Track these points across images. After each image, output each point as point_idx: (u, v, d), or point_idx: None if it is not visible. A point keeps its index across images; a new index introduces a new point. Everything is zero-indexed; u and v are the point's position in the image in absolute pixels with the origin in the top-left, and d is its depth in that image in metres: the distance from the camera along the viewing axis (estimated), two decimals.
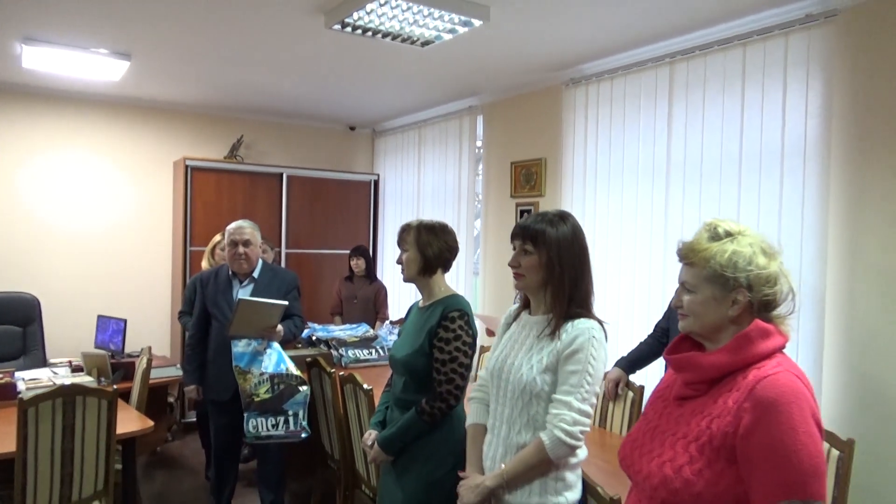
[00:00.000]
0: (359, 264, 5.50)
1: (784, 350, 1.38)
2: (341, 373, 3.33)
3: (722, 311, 1.39)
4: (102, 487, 2.95)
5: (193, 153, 5.83)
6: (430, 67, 4.51)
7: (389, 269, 6.31)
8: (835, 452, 2.44)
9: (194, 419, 4.98)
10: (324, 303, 5.87)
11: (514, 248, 1.89)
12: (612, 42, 3.86)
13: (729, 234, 1.42)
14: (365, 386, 3.00)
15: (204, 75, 4.85)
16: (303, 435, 3.25)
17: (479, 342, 2.38)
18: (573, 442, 1.70)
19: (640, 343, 3.18)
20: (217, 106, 5.92)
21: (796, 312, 3.05)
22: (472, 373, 2.33)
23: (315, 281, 6.12)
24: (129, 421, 3.24)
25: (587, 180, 4.31)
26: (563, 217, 1.88)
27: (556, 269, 1.80)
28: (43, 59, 4.28)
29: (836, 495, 2.40)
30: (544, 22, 3.54)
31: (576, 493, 1.79)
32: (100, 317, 5.04)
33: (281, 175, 6.00)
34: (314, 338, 4.70)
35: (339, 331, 4.79)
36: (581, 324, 1.77)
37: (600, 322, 1.82)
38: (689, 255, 1.44)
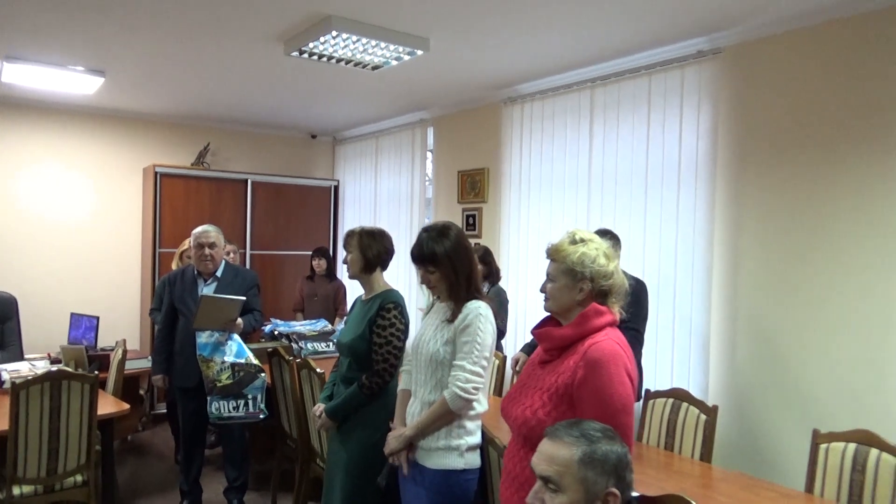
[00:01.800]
0: (320, 264, 5.92)
1: (613, 325, 1.87)
2: (298, 360, 3.76)
3: (572, 296, 1.88)
4: (84, 462, 3.33)
5: (162, 160, 6.19)
6: (383, 86, 4.96)
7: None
8: (703, 417, 2.97)
9: (164, 410, 5.35)
10: (287, 300, 6.28)
11: (421, 271, 2.35)
12: (541, 67, 4.37)
13: (582, 241, 1.91)
14: (318, 370, 3.44)
15: (173, 89, 5.23)
16: (260, 416, 3.67)
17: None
18: (467, 396, 2.18)
19: None
20: (185, 116, 6.29)
21: (689, 304, 3.60)
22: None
23: (278, 280, 6.53)
24: (107, 405, 3.63)
25: (522, 188, 4.81)
26: (446, 231, 2.35)
27: (453, 276, 2.29)
28: (22, 75, 4.62)
29: (703, 451, 2.93)
30: (480, 50, 4.03)
31: (475, 438, 2.27)
32: (73, 314, 5.38)
33: (246, 181, 6.39)
34: (276, 332, 5.10)
35: (300, 326, 5.20)
36: (471, 304, 2.25)
37: (488, 301, 2.31)
38: (553, 253, 1.93)
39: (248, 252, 6.39)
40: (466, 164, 5.47)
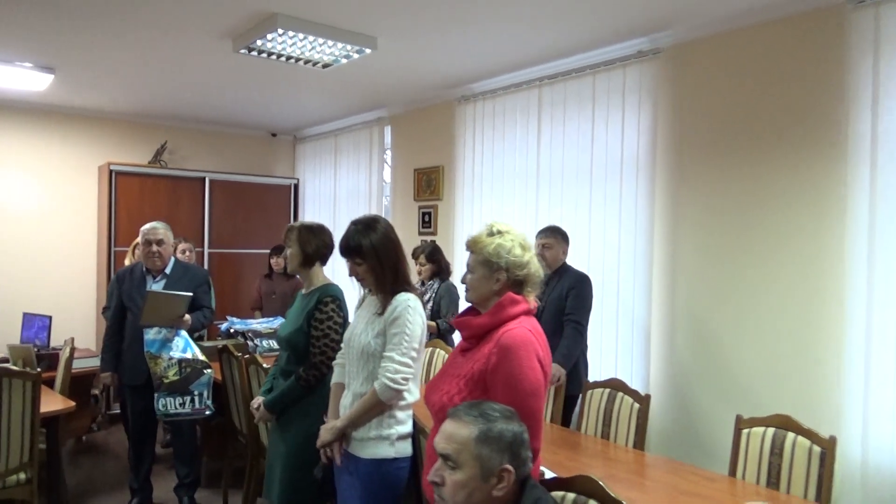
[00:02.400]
0: (278, 262, 5.91)
1: (528, 314, 1.93)
2: (246, 357, 3.77)
3: (489, 286, 1.94)
4: (27, 460, 3.31)
5: (118, 158, 6.14)
6: (339, 84, 5.00)
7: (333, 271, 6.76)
8: (636, 406, 3.06)
9: (119, 411, 5.31)
10: (246, 299, 6.26)
11: (349, 263, 2.40)
12: (492, 66, 4.44)
13: (499, 232, 1.97)
14: (264, 365, 3.46)
15: (126, 86, 5.20)
16: (207, 412, 3.68)
17: None
18: (397, 386, 2.22)
19: None
20: (141, 114, 6.24)
21: (631, 296, 3.70)
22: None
23: (237, 279, 6.52)
24: (53, 403, 3.61)
25: (475, 185, 4.88)
26: (372, 225, 2.39)
27: (379, 268, 2.34)
28: None
29: (636, 439, 3.02)
30: (429, 49, 4.08)
31: (406, 428, 2.32)
32: (25, 314, 5.32)
33: (203, 179, 6.37)
34: (232, 330, 5.10)
35: (256, 323, 5.21)
36: (400, 297, 2.30)
37: (418, 294, 2.36)
38: (471, 245, 1.99)
39: (207, 251, 6.37)
40: (422, 162, 5.53)
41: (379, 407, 2.28)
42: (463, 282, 2.02)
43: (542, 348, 1.87)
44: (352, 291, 2.90)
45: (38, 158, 5.92)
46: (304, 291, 2.90)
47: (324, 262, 2.90)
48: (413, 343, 2.28)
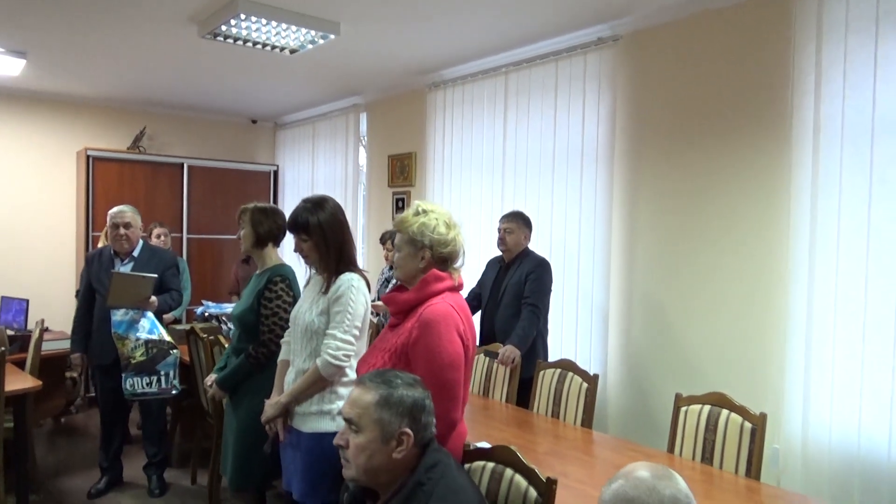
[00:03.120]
0: None
1: (453, 290, 2.00)
2: (211, 338, 3.84)
3: (415, 264, 2.00)
4: None
5: (97, 144, 6.18)
6: (311, 71, 5.04)
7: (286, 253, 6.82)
8: (585, 385, 3.13)
9: (94, 394, 5.39)
10: (224, 284, 6.32)
11: (295, 239, 2.45)
12: (459, 53, 4.48)
13: (424, 212, 2.03)
14: (227, 345, 3.52)
15: (101, 72, 5.24)
16: (173, 392, 3.75)
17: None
18: (338, 363, 2.29)
19: None
20: (119, 99, 6.28)
21: (590, 281, 3.76)
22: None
23: (216, 264, 6.58)
24: (20, 382, 3.67)
25: (445, 172, 4.94)
26: (321, 204, 2.45)
27: (323, 246, 2.39)
28: None
29: (584, 417, 3.09)
30: (394, 35, 4.12)
31: None
32: (3, 297, 5.38)
33: (182, 165, 6.41)
34: (207, 314, 5.17)
35: (230, 307, 5.27)
36: (344, 276, 2.36)
37: (362, 273, 2.42)
38: (398, 225, 2.05)
39: (185, 236, 6.42)
40: (396, 148, 5.58)
41: (321, 383, 2.34)
42: (389, 260, 2.08)
43: (463, 322, 1.93)
44: (304, 272, 2.95)
45: (15, 143, 5.96)
46: (257, 272, 2.96)
47: (276, 243, 2.96)
48: (355, 321, 2.33)
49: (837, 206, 2.91)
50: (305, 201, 2.47)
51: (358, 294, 2.35)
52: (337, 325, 2.31)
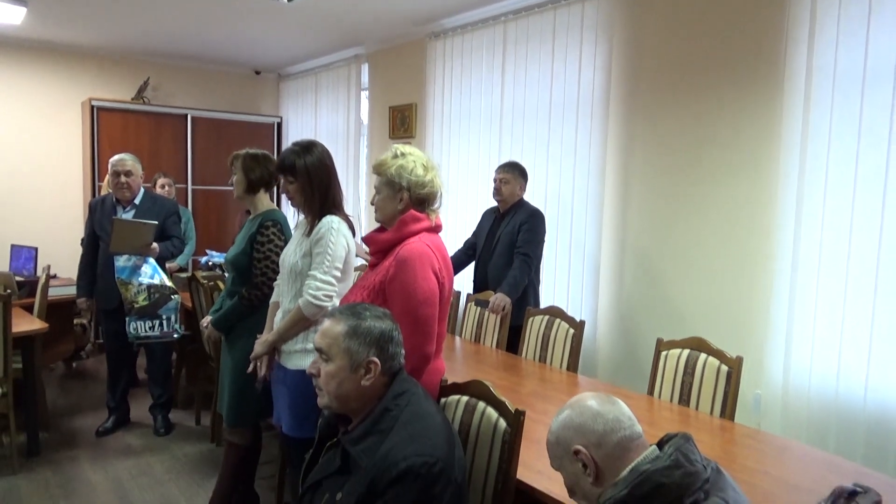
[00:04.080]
0: None
1: (431, 230, 2.05)
2: (211, 284, 3.93)
3: (393, 206, 2.05)
4: (2, 375, 3.52)
5: (101, 94, 6.21)
6: (313, 20, 5.00)
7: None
8: (571, 331, 3.20)
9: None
10: (229, 234, 6.41)
11: (283, 181, 2.50)
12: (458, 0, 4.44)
13: (402, 154, 2.07)
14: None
15: (104, 20, 5.23)
16: (175, 335, 3.86)
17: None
18: (318, 302, 2.36)
19: (452, 255, 3.87)
20: (123, 49, 6.28)
21: (583, 231, 3.80)
22: None
23: (220, 215, 6.67)
24: (27, 324, 3.80)
25: (444, 123, 4.94)
26: (309, 148, 2.49)
27: (308, 189, 2.44)
28: None
29: (570, 362, 3.17)
30: None
31: None
32: (12, 246, 5.51)
33: (186, 116, 6.44)
34: (211, 263, 5.27)
35: (227, 254, 5.36)
36: (326, 219, 2.42)
37: (345, 217, 2.47)
38: (376, 168, 2.09)
39: (190, 187, 6.49)
40: (397, 99, 5.57)
41: (304, 322, 2.42)
42: (372, 203, 2.13)
43: (439, 261, 1.99)
44: (293, 216, 3.01)
45: (19, 94, 6.01)
46: (250, 217, 3.02)
47: (268, 188, 3.01)
48: (336, 262, 2.40)
49: (826, 156, 2.91)
50: (294, 144, 2.52)
51: (338, 236, 2.40)
52: (317, 266, 2.38)
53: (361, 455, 1.49)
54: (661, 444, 1.29)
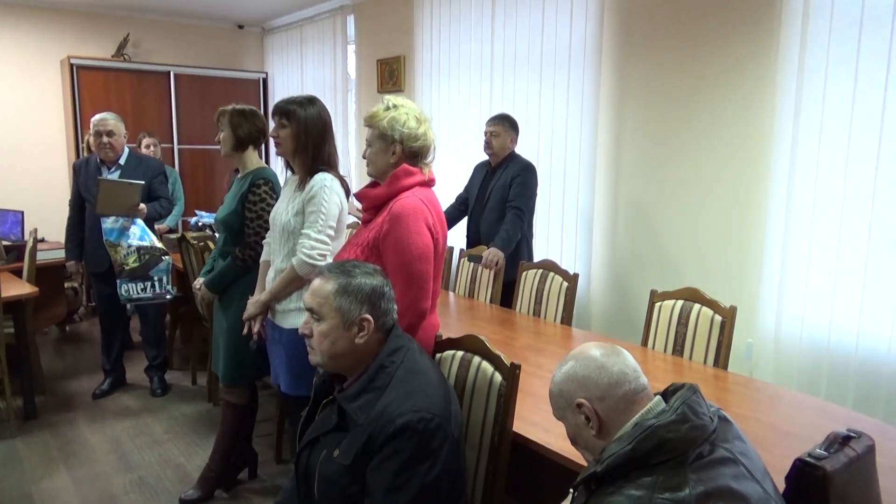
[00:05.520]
0: None
1: (424, 185, 2.01)
2: (201, 244, 3.89)
3: (386, 160, 2.01)
4: None
5: (80, 52, 6.04)
6: None
7: (274, 157, 6.79)
8: (565, 284, 3.20)
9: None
10: (217, 194, 6.35)
11: (275, 123, 2.44)
12: None
13: (394, 106, 2.01)
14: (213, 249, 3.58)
15: None
16: (167, 296, 3.84)
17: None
18: (312, 261, 2.33)
19: (444, 210, 3.84)
20: (102, 4, 6.08)
21: (576, 184, 3.76)
22: None
23: (208, 174, 6.58)
24: (17, 289, 3.76)
25: (433, 75, 4.85)
26: (311, 100, 2.44)
27: (302, 139, 2.38)
28: None
29: (563, 315, 3.17)
30: None
31: None
32: None
33: (169, 73, 6.29)
34: (200, 223, 5.21)
35: (218, 213, 5.30)
36: (318, 176, 2.37)
37: (338, 174, 2.42)
38: (368, 121, 2.04)
39: (176, 146, 6.38)
40: (384, 52, 5.44)
41: (298, 281, 2.39)
42: (364, 157, 2.08)
43: (433, 216, 1.96)
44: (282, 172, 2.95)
45: None
46: (239, 175, 2.97)
47: (256, 145, 2.94)
48: (329, 221, 2.36)
49: (822, 100, 2.87)
50: (294, 97, 2.45)
51: (331, 194, 2.37)
52: (311, 224, 2.34)
53: (358, 412, 1.48)
54: (665, 395, 1.28)
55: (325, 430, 1.57)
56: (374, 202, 2.02)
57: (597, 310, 3.90)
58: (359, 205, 2.15)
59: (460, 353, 1.98)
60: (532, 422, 1.96)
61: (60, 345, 5.27)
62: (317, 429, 1.60)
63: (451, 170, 4.66)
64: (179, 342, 4.85)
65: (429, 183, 2.04)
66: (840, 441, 1.35)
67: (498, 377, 1.85)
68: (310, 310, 1.57)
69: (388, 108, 2.01)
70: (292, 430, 2.66)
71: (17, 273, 4.31)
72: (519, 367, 1.82)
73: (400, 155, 2.00)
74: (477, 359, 1.93)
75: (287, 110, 2.39)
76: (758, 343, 3.16)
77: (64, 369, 4.64)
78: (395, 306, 1.64)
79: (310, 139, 2.38)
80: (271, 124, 2.52)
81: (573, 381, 1.29)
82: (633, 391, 1.25)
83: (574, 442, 1.34)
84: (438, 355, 2.03)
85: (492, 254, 3.49)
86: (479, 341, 1.94)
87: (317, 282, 1.59)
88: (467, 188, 3.93)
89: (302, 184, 2.39)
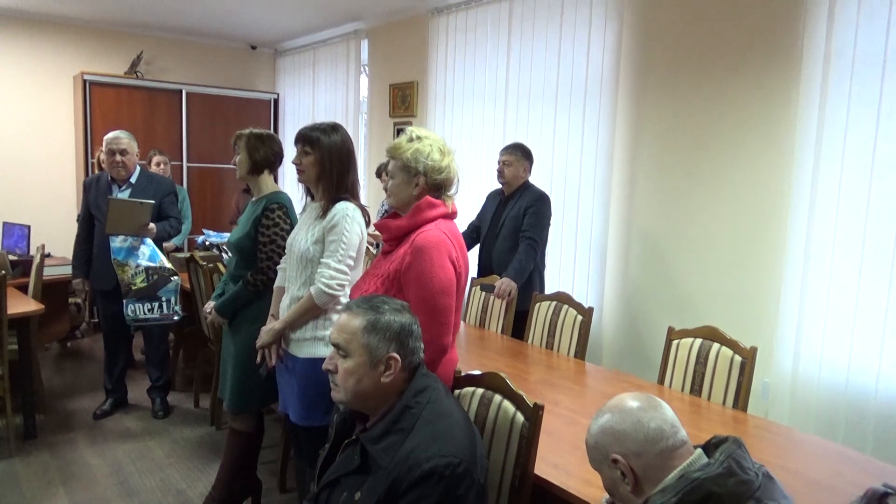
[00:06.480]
0: None
1: (446, 217, 1.98)
2: (210, 265, 3.86)
3: (409, 192, 1.98)
4: None
5: (94, 68, 6.06)
6: None
7: (288, 182, 6.77)
8: (580, 317, 3.15)
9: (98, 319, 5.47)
10: (225, 213, 6.33)
11: (297, 151, 2.42)
12: None
13: (418, 138, 1.99)
14: (224, 272, 3.54)
15: None
16: (175, 318, 3.79)
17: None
18: (332, 291, 2.30)
19: None
20: (115, 21, 6.11)
21: (590, 215, 3.74)
22: None
23: (216, 193, 6.56)
24: (23, 305, 3.72)
25: (446, 102, 4.85)
26: (335, 128, 2.42)
27: (326, 166, 2.36)
28: None
29: (577, 349, 3.13)
30: None
31: None
32: (4, 223, 5.40)
33: (181, 91, 6.30)
34: (208, 243, 5.18)
35: (230, 236, 5.28)
36: (340, 205, 2.34)
37: (359, 204, 2.39)
38: (391, 152, 2.02)
39: (185, 164, 6.37)
40: (397, 77, 5.46)
41: (315, 311, 2.36)
42: (386, 189, 2.06)
43: (456, 250, 1.93)
44: (300, 200, 2.92)
45: (10, 66, 5.85)
46: (253, 199, 2.94)
47: (272, 170, 2.92)
48: (349, 251, 2.33)
49: (843, 142, 2.85)
50: (318, 124, 2.44)
51: (353, 223, 2.34)
52: (331, 254, 2.31)
53: (381, 454, 1.44)
54: (706, 448, 1.24)
55: (346, 471, 1.52)
56: (395, 233, 1.99)
57: (608, 343, 3.85)
58: (379, 234, 2.12)
59: (480, 391, 1.94)
60: (552, 463, 1.91)
61: (61, 361, 5.22)
62: (338, 469, 1.55)
63: (463, 197, 4.62)
64: (182, 363, 4.79)
65: (451, 215, 2.01)
66: (878, 498, 1.32)
67: (520, 417, 1.80)
68: (336, 345, 1.53)
69: (411, 140, 1.99)
70: (299, 462, 2.60)
71: (22, 288, 4.28)
72: (542, 407, 1.77)
73: (423, 187, 1.97)
74: (498, 397, 1.89)
75: (311, 137, 2.37)
76: (774, 382, 3.11)
77: (64, 386, 4.58)
78: (422, 345, 1.60)
79: (333, 167, 2.36)
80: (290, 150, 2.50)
81: (609, 434, 1.25)
82: (670, 447, 1.21)
83: (611, 493, 1.30)
84: (457, 391, 1.99)
85: (505, 284, 3.46)
86: (500, 379, 1.90)
87: (344, 317, 1.55)
88: (480, 216, 3.90)
89: (324, 212, 2.36)
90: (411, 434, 1.44)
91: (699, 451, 1.23)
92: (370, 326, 1.50)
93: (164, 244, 4.49)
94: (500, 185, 3.84)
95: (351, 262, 2.35)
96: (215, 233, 5.41)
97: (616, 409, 1.27)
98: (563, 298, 3.30)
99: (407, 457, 1.40)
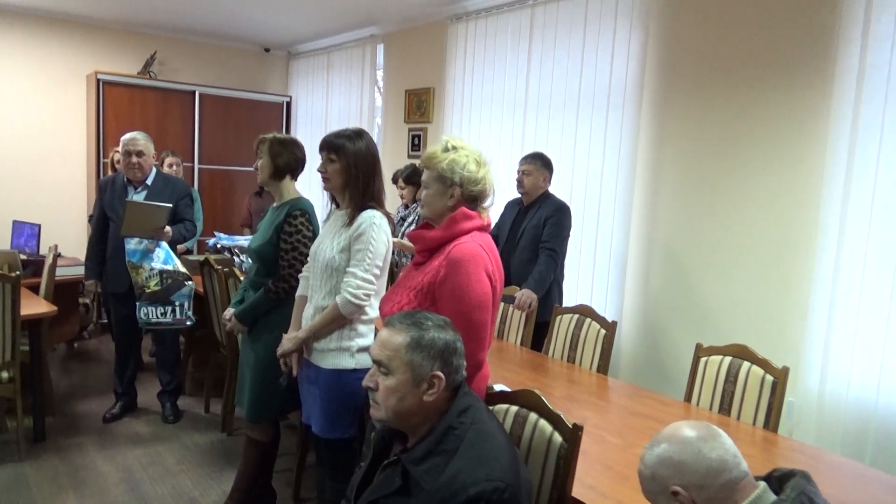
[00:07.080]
0: None
1: (481, 229, 1.94)
2: (225, 270, 3.81)
3: (443, 202, 1.94)
4: (10, 359, 3.40)
5: (107, 68, 6.03)
6: None
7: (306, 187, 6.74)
8: (602, 331, 3.10)
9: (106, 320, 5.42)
10: (236, 216, 6.29)
11: (322, 158, 2.38)
12: None
13: (454, 148, 1.95)
14: (242, 278, 3.49)
15: None
16: (187, 322, 3.74)
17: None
18: (358, 301, 2.25)
19: None
20: (129, 21, 6.09)
21: (610, 227, 3.70)
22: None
23: (227, 196, 6.52)
24: (35, 306, 3.67)
25: (464, 109, 4.81)
26: (360, 134, 2.38)
27: (352, 173, 2.32)
28: None
29: (600, 363, 3.08)
30: None
31: (366, 340, 2.35)
32: (15, 222, 5.35)
33: (194, 93, 6.27)
34: (219, 246, 5.14)
35: (243, 240, 5.23)
36: (366, 213, 2.29)
37: (385, 212, 2.35)
38: (426, 161, 1.97)
39: (197, 166, 6.34)
40: (413, 83, 5.42)
41: (340, 320, 2.31)
42: (419, 198, 2.01)
43: (492, 263, 1.88)
44: (322, 206, 2.88)
45: (24, 66, 5.83)
46: (274, 205, 2.90)
47: (294, 176, 2.88)
48: (376, 260, 2.29)
49: (876, 159, 2.81)
50: (343, 130, 2.39)
51: (380, 232, 2.29)
52: (358, 263, 2.27)
53: (424, 476, 1.39)
54: (768, 480, 1.19)
55: (386, 493, 1.47)
56: (429, 244, 1.95)
57: (627, 358, 3.80)
58: (411, 244, 2.07)
59: (515, 409, 1.89)
60: (588, 485, 1.86)
61: (68, 362, 5.16)
62: (377, 490, 1.50)
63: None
64: (192, 367, 4.74)
65: (485, 228, 1.97)
66: None
67: (558, 438, 1.75)
68: (377, 362, 1.49)
69: (447, 150, 1.95)
70: (320, 472, 2.55)
71: (32, 288, 4.23)
72: (581, 428, 1.72)
73: (458, 198, 1.93)
74: (534, 416, 1.84)
75: (336, 145, 2.33)
76: (800, 402, 3.06)
77: (72, 388, 4.53)
78: (465, 362, 1.55)
79: (360, 174, 2.32)
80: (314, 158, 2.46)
81: (668, 465, 1.20)
82: (734, 480, 1.16)
83: None
84: (490, 408, 1.93)
85: (525, 295, 3.41)
86: (536, 397, 1.85)
87: (385, 333, 1.50)
88: (498, 225, 3.85)
89: (350, 220, 2.31)
90: (455, 456, 1.39)
91: (763, 484, 1.18)
92: (414, 343, 1.46)
93: (177, 246, 4.45)
94: (517, 195, 3.79)
95: (377, 272, 2.30)
96: (227, 236, 5.36)
97: (674, 439, 1.22)
98: (585, 311, 3.25)
99: (452, 480, 1.35)
